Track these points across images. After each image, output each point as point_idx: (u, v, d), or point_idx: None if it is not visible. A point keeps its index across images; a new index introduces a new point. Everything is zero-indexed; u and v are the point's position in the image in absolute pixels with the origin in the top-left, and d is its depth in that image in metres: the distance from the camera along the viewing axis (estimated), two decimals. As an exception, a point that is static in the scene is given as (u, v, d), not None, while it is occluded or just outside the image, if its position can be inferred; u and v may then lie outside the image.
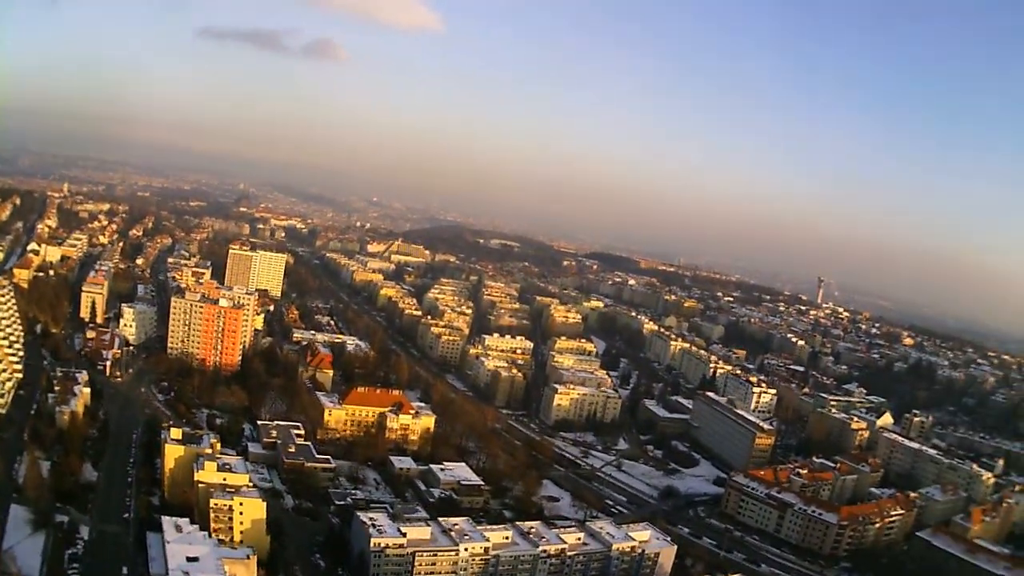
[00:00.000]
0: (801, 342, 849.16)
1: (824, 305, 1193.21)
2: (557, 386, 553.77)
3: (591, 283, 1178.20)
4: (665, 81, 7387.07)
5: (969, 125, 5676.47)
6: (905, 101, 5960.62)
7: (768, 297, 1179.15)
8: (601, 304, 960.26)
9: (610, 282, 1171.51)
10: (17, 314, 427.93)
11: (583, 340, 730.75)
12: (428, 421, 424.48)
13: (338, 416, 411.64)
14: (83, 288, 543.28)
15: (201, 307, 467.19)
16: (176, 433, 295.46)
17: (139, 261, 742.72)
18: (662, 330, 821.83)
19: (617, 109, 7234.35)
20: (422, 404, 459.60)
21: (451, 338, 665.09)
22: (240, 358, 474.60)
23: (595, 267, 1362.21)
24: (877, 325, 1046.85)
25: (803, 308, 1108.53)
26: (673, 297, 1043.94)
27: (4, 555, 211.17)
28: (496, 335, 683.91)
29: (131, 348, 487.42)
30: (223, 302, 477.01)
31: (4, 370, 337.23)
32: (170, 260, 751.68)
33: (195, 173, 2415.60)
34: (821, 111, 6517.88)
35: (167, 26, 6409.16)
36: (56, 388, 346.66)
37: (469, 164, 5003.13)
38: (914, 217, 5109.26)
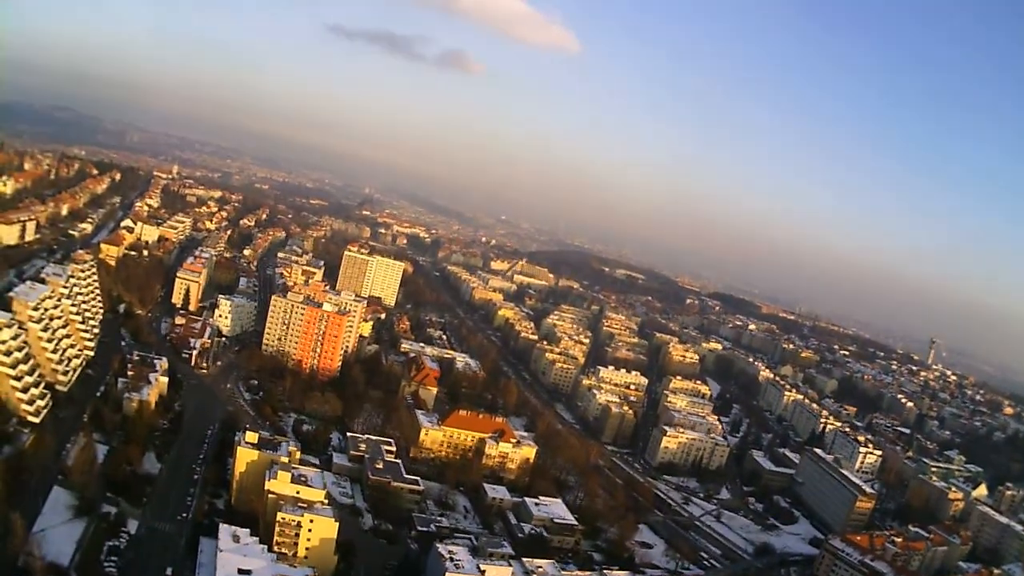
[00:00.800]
0: (910, 404, 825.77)
1: (934, 367, 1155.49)
2: (666, 428, 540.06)
3: (711, 324, 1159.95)
4: (802, 129, 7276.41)
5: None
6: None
7: (881, 354, 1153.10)
8: (720, 347, 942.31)
9: (730, 325, 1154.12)
10: (97, 291, 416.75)
11: (698, 382, 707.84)
12: (529, 452, 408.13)
13: (435, 437, 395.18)
14: (178, 273, 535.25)
15: (303, 309, 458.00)
16: (251, 436, 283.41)
17: (247, 252, 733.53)
18: (777, 379, 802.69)
19: (751, 149, 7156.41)
20: (525, 434, 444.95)
21: (565, 366, 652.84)
22: (340, 364, 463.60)
23: (717, 308, 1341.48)
24: (981, 392, 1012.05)
25: (914, 368, 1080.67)
26: (791, 346, 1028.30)
27: (31, 537, 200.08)
28: (611, 368, 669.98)
29: (223, 340, 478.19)
30: (327, 307, 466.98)
31: (72, 346, 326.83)
32: (280, 255, 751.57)
33: (318, 171, 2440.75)
34: (942, 172, 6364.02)
35: (297, 18, 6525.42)
36: (130, 373, 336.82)
37: (599, 190, 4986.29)
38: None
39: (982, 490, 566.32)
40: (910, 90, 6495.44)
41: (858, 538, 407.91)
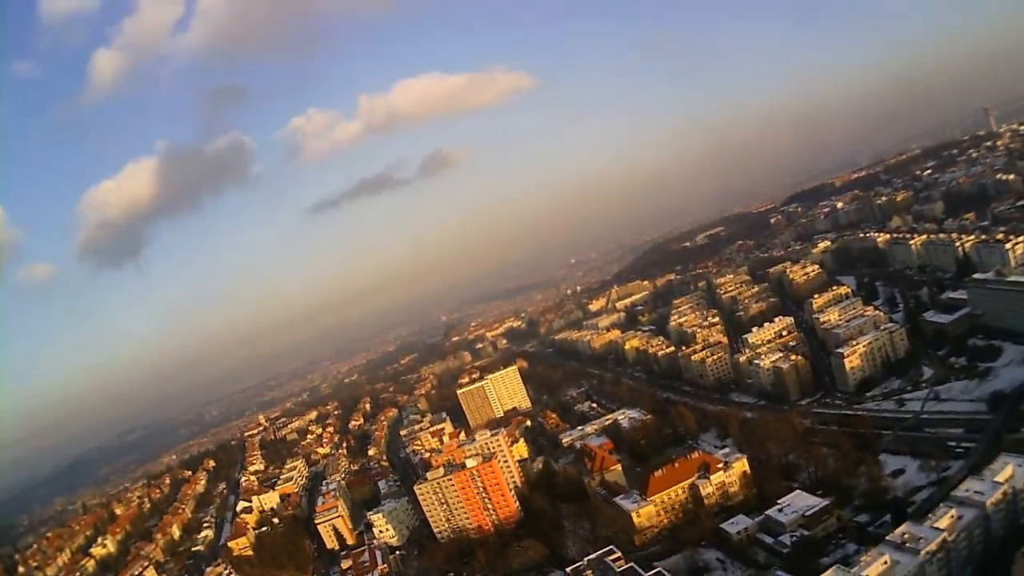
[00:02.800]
0: (1011, 176, 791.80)
1: (1003, 131, 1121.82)
2: (840, 351, 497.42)
3: (806, 227, 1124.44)
4: None
5: None
6: None
7: (956, 151, 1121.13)
8: (828, 243, 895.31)
9: (821, 216, 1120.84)
10: None
11: (833, 288, 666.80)
12: (741, 465, 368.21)
13: (648, 513, 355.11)
14: (315, 522, 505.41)
15: (450, 479, 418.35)
16: None
17: (371, 452, 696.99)
18: (895, 235, 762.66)
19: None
20: (725, 448, 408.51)
21: (716, 356, 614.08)
22: (517, 504, 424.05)
23: (799, 209, 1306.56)
24: None
25: (989, 144, 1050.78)
26: (884, 198, 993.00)
27: None
28: (755, 329, 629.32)
29: (399, 553, 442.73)
30: (470, 463, 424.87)
31: None
32: (402, 432, 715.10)
33: (392, 330, 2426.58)
34: None
35: (276, 219, 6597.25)
36: None
37: (626, 185, 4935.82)
38: None
39: None
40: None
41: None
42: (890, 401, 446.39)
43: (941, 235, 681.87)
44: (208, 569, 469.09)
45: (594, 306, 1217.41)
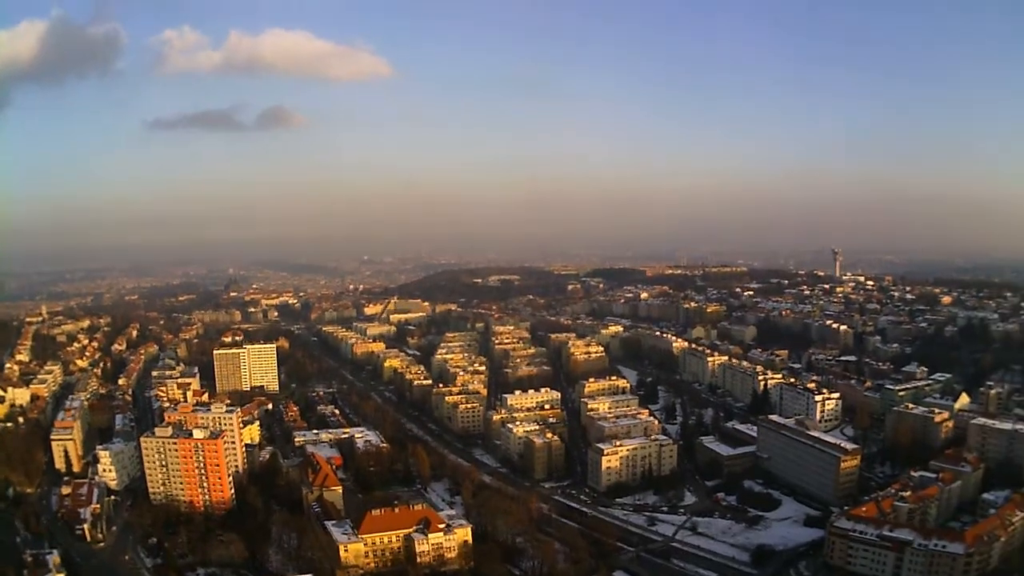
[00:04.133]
0: (843, 327, 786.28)
1: (845, 277, 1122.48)
2: (601, 446, 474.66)
3: (602, 305, 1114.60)
4: (625, 65, 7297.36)
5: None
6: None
7: (786, 282, 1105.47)
8: (620, 328, 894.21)
9: (622, 300, 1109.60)
10: None
11: (612, 378, 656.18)
12: (464, 533, 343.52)
13: (357, 551, 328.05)
14: (51, 435, 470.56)
15: (174, 444, 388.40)
16: None
17: (121, 381, 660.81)
18: (694, 346, 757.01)
19: (578, 115, 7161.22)
20: (452, 510, 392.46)
21: (469, 406, 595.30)
22: (232, 492, 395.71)
23: (601, 286, 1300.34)
24: (907, 289, 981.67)
25: (826, 287, 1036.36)
26: (693, 304, 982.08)
27: None
28: (518, 392, 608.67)
29: (114, 498, 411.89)
30: (198, 433, 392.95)
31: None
32: (154, 373, 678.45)
33: (182, 266, 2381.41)
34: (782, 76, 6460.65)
35: (117, 123, 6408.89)
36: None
37: (449, 204, 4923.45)
38: (887, 161, 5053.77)
39: (964, 399, 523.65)
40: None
41: (863, 509, 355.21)
42: (641, 516, 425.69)
43: (745, 362, 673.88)
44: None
45: (370, 310, 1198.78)
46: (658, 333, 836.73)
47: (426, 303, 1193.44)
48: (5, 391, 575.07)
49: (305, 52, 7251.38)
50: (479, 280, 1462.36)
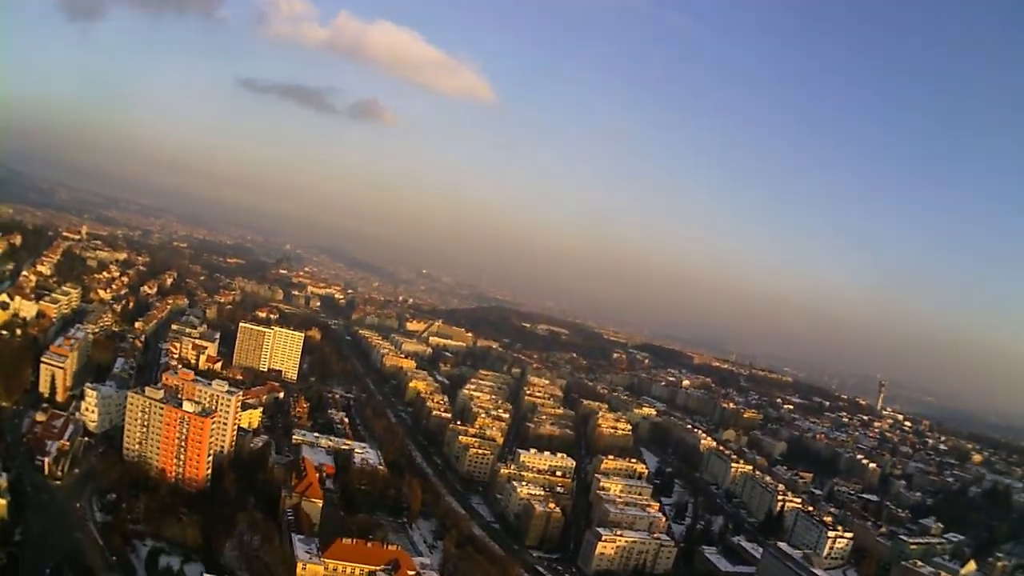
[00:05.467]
0: (872, 464, 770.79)
1: (885, 412, 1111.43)
2: (601, 531, 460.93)
3: (642, 383, 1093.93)
4: (720, 166, 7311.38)
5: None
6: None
7: (828, 403, 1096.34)
8: (653, 411, 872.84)
9: (663, 382, 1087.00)
10: None
11: (633, 460, 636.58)
12: None
13: (315, 573, 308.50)
14: (42, 357, 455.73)
15: (161, 409, 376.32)
16: None
17: (137, 325, 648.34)
18: (721, 448, 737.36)
19: (669, 193, 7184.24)
20: (427, 559, 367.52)
21: (481, 451, 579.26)
22: (208, 472, 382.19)
23: (647, 361, 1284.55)
24: (942, 439, 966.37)
25: (865, 418, 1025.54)
26: (731, 405, 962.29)
27: None
28: (534, 451, 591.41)
29: (87, 440, 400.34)
30: (188, 406, 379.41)
31: None
32: (174, 326, 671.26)
33: (240, 228, 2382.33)
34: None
35: (207, 71, 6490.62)
36: None
37: (519, 239, 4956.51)
38: (947, 306, 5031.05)
39: (971, 566, 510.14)
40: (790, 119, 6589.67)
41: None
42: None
43: (768, 477, 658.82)
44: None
45: (412, 326, 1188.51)
46: (689, 426, 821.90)
47: (469, 333, 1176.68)
48: (11, 299, 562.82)
49: (411, 53, 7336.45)
50: (527, 325, 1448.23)
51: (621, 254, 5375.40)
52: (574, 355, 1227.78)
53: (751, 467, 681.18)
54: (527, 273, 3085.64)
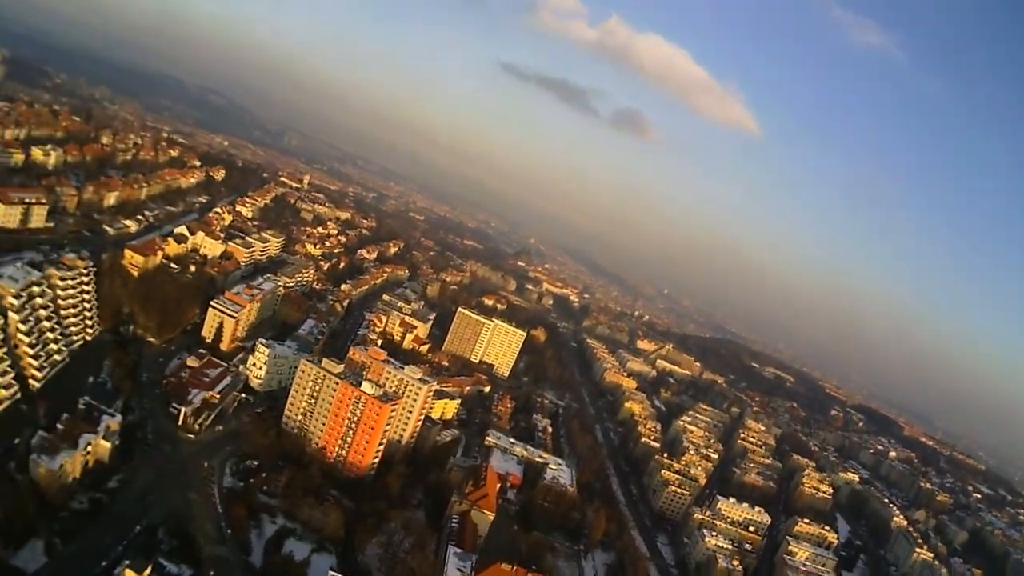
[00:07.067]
0: None
1: None
2: None
3: (852, 446, 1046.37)
4: (975, 241, 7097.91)
5: None
6: None
7: (1009, 498, 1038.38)
8: (856, 478, 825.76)
9: (871, 450, 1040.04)
10: (86, 306, 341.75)
11: (826, 527, 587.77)
12: None
13: None
14: (212, 302, 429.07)
15: (335, 384, 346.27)
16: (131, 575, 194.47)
17: (343, 288, 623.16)
18: (910, 528, 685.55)
19: (911, 260, 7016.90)
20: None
21: (680, 490, 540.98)
22: (376, 461, 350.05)
23: (860, 423, 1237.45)
24: None
25: None
26: (928, 485, 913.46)
27: None
28: (732, 500, 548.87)
29: (245, 397, 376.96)
30: (367, 387, 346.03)
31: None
32: (385, 297, 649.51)
33: (485, 213, 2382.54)
34: None
35: (474, 48, 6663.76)
36: (59, 426, 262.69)
37: (761, 274, 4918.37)
38: None
39: None
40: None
41: None
42: None
43: (944, 569, 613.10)
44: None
45: (642, 344, 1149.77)
46: (886, 499, 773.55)
47: (697, 363, 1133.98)
48: (192, 233, 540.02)
49: (679, 70, 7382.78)
50: (755, 365, 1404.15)
51: (853, 310, 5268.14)
52: (794, 404, 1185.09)
53: (932, 555, 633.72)
54: (764, 310, 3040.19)
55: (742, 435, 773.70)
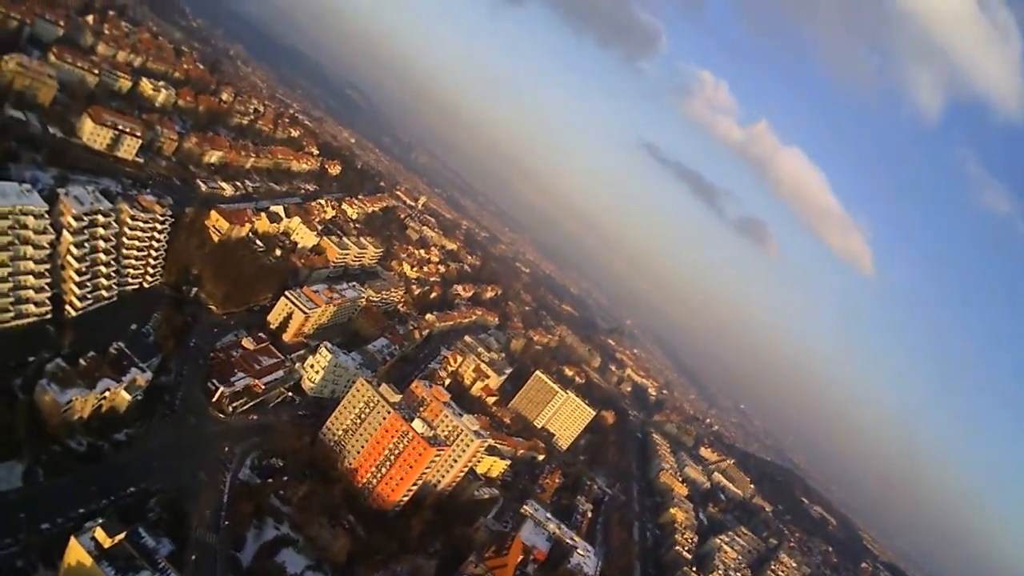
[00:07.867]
0: None
1: None
2: None
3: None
4: None
5: None
6: None
7: None
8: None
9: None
10: (153, 251, 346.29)
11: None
12: None
13: None
14: (288, 292, 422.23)
15: (385, 411, 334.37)
16: (100, 534, 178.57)
17: (428, 317, 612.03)
18: None
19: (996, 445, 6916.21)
20: None
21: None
22: (405, 500, 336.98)
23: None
24: None
25: None
26: None
27: None
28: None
29: (290, 395, 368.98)
30: (418, 425, 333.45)
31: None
32: (467, 338, 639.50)
33: (588, 283, 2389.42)
34: None
35: (616, 120, 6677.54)
36: (82, 362, 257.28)
37: (838, 411, 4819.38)
38: None
39: None
40: None
41: None
42: None
43: None
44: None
45: (704, 452, 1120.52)
46: None
47: (752, 486, 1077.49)
48: (287, 216, 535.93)
49: (812, 192, 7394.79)
50: (805, 500, 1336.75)
51: (912, 470, 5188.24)
52: (829, 549, 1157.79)
53: None
54: (831, 449, 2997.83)
55: (773, 566, 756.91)
